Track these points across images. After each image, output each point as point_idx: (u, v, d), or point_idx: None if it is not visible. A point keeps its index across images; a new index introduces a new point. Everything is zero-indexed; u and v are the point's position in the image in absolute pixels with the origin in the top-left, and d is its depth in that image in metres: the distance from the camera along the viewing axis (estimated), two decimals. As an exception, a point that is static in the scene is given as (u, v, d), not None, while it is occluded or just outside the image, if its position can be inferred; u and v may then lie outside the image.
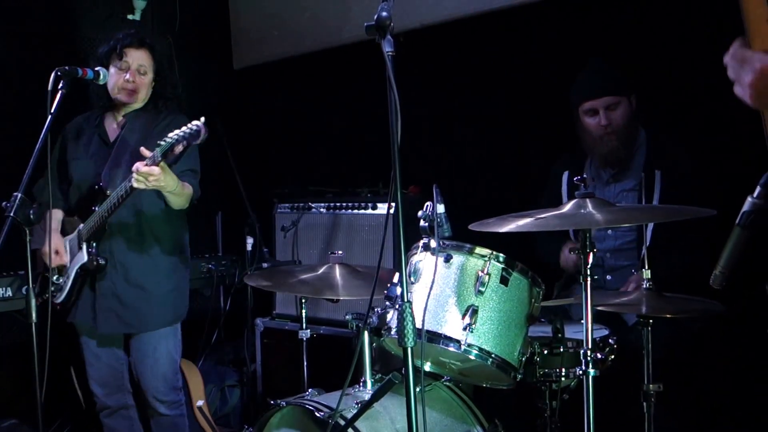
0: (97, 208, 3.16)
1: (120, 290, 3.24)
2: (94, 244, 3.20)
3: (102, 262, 3.20)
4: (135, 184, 2.86)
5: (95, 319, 3.26)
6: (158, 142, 2.81)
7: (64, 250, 3.27)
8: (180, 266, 3.42)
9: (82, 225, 3.22)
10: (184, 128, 2.74)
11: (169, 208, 3.22)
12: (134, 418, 3.54)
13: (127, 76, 3.24)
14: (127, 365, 3.47)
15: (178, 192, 3.06)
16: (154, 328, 3.33)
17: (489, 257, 2.40)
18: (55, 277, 3.28)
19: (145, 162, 2.82)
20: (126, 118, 3.34)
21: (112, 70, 3.27)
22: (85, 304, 3.28)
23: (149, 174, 2.81)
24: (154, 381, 3.37)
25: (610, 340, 2.64)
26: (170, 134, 2.77)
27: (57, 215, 3.35)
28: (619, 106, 3.29)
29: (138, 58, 3.28)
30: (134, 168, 2.83)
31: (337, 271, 2.94)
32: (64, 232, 3.33)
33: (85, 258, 3.20)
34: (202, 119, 2.73)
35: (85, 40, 3.36)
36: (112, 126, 3.38)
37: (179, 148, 2.76)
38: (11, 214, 2.56)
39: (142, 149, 2.86)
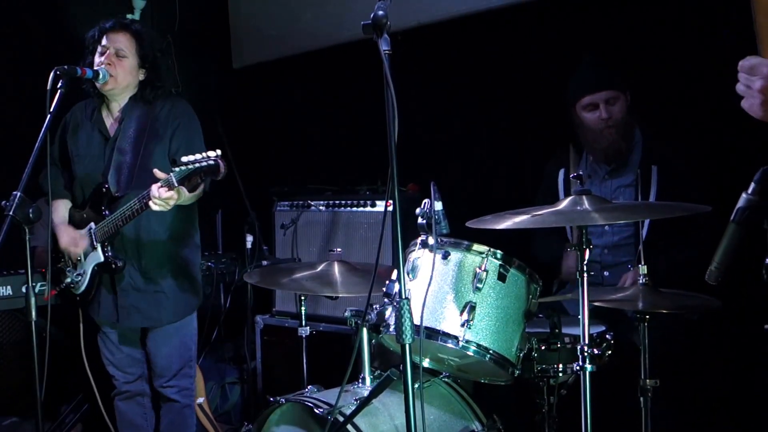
0: (107, 213, 3.18)
1: (139, 286, 3.30)
2: (109, 247, 3.22)
3: (120, 264, 3.23)
4: (154, 208, 2.87)
5: (118, 316, 3.32)
6: (173, 168, 2.79)
7: (80, 239, 3.27)
8: (191, 258, 3.46)
9: (93, 224, 3.23)
10: (199, 157, 2.72)
11: (178, 205, 3.25)
12: (148, 407, 3.58)
13: (102, 59, 3.21)
14: (145, 353, 3.50)
15: (191, 198, 3.11)
16: (173, 320, 3.37)
17: (486, 254, 2.42)
18: (72, 273, 3.32)
19: (160, 184, 2.82)
20: (122, 112, 3.33)
21: (96, 57, 3.25)
22: (107, 302, 3.33)
23: (169, 199, 2.84)
24: (169, 369, 3.42)
25: (607, 336, 2.65)
26: (186, 159, 2.74)
27: (65, 205, 3.38)
28: (617, 101, 3.30)
29: (116, 41, 3.24)
30: (153, 193, 2.83)
31: (336, 268, 2.97)
32: (73, 225, 3.33)
33: (102, 259, 3.22)
34: (218, 151, 2.72)
35: (84, 39, 3.36)
36: (109, 120, 3.37)
37: (197, 180, 2.77)
38: (11, 213, 2.57)
39: (156, 171, 2.86)
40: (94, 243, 3.23)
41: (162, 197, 2.82)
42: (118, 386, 3.52)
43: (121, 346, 3.45)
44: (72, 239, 3.27)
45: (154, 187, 2.84)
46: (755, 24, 1.43)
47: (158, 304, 3.32)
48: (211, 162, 2.71)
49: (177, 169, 2.77)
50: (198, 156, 2.73)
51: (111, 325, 3.40)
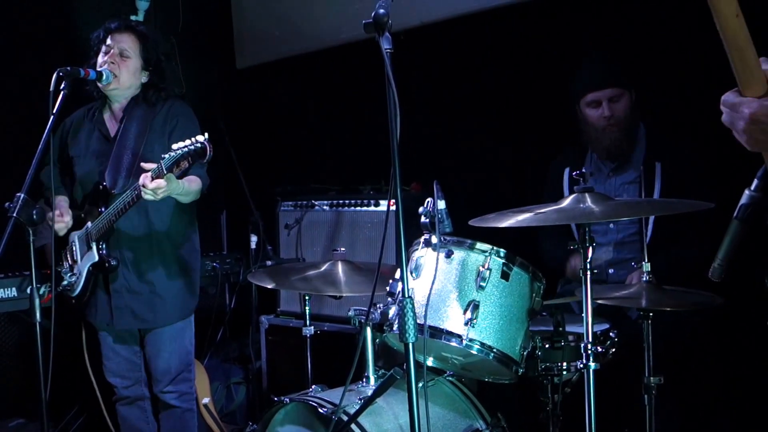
0: (103, 210, 3.18)
1: (134, 287, 3.29)
2: (104, 245, 3.22)
3: (114, 263, 3.23)
4: (144, 197, 2.87)
5: (112, 317, 3.31)
6: (162, 155, 2.81)
7: (66, 212, 3.26)
8: (189, 261, 3.44)
9: (90, 223, 3.24)
10: (188, 142, 2.75)
11: (177, 205, 3.27)
12: (149, 411, 3.58)
13: (106, 57, 3.22)
14: (143, 357, 3.50)
15: (185, 192, 3.11)
16: (169, 323, 3.37)
17: (490, 252, 2.42)
18: (68, 275, 3.31)
19: (149, 174, 2.83)
20: (124, 112, 3.33)
21: (99, 57, 3.27)
22: (101, 303, 3.33)
23: (157, 188, 2.84)
24: (167, 374, 3.41)
25: (611, 334, 2.65)
26: (176, 146, 2.77)
27: (64, 200, 3.37)
28: (621, 99, 3.29)
29: (121, 41, 3.25)
30: (141, 183, 2.84)
31: (340, 267, 2.97)
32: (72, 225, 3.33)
33: (96, 258, 3.22)
34: (206, 135, 2.73)
35: (87, 40, 3.37)
36: (111, 120, 3.38)
37: (185, 165, 2.77)
38: (14, 215, 2.58)
39: (144, 164, 2.88)
40: (90, 241, 3.23)
41: (149, 186, 2.83)
42: (118, 392, 3.53)
43: (117, 350, 3.45)
44: (60, 210, 3.24)
45: (143, 176, 2.85)
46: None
47: (153, 306, 3.31)
48: (198, 145, 2.72)
49: (166, 156, 2.79)
50: (187, 141, 2.76)
51: (106, 327, 3.40)
